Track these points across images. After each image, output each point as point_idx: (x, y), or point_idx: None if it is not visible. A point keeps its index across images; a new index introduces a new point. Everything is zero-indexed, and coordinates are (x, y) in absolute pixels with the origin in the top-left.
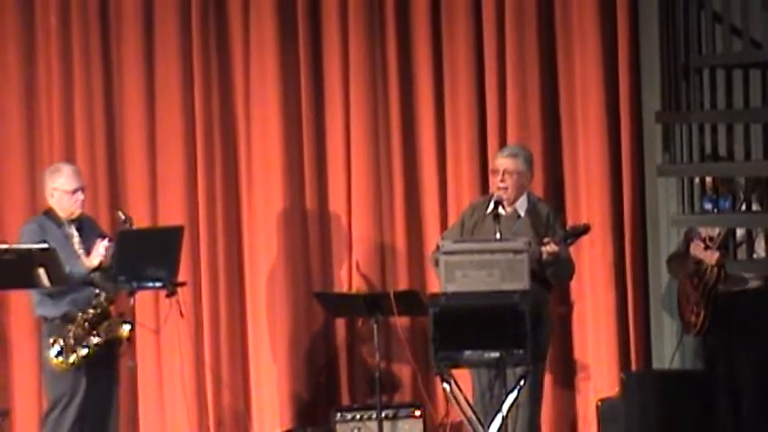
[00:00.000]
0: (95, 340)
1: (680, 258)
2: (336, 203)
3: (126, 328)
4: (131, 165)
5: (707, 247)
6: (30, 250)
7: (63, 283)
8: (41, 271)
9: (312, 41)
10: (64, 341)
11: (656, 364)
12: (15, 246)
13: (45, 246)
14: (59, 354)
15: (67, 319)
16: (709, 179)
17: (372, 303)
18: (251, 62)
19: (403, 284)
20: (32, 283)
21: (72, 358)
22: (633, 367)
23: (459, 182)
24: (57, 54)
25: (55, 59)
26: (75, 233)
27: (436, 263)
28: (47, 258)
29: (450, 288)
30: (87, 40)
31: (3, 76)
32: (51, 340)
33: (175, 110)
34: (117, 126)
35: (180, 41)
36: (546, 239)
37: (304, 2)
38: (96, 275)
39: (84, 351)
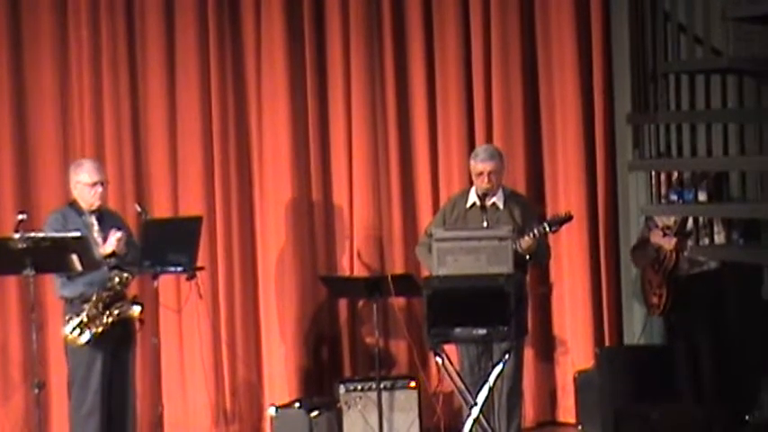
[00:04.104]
0: (108, 319)
1: (641, 248)
2: (339, 195)
3: (136, 309)
4: (154, 161)
5: (665, 235)
6: (64, 238)
7: (94, 268)
8: (74, 257)
9: (317, 48)
10: (79, 319)
11: (627, 340)
12: (51, 234)
13: (77, 234)
14: (74, 330)
15: (84, 299)
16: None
17: (372, 286)
18: (262, 70)
19: (399, 269)
20: (67, 267)
21: (86, 335)
22: (606, 343)
23: (450, 177)
24: (87, 62)
25: (86, 66)
26: (95, 223)
27: (429, 249)
28: (79, 246)
29: (442, 271)
30: (115, 49)
31: (39, 81)
32: (67, 317)
33: (194, 112)
34: (141, 126)
35: (198, 51)
36: (528, 232)
37: (309, 11)
38: (111, 261)
39: (96, 329)
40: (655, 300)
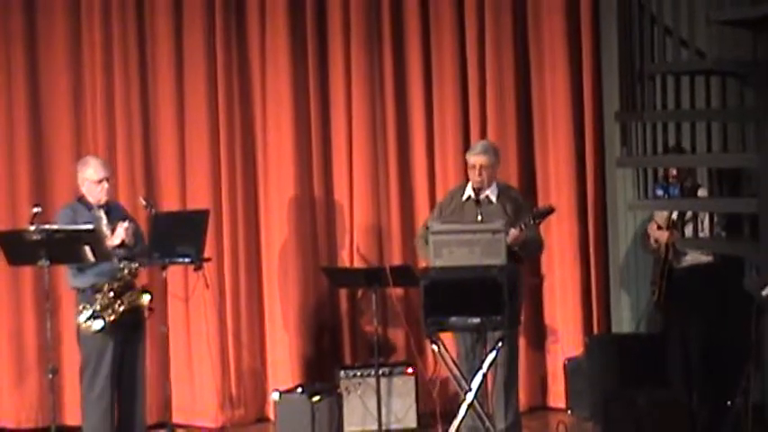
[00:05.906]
0: (119, 308)
1: (645, 240)
2: (340, 192)
3: (146, 297)
4: (164, 158)
5: (659, 227)
6: (77, 230)
7: (106, 259)
8: (87, 248)
9: (319, 51)
10: (93, 308)
11: (614, 329)
12: (65, 227)
13: (90, 227)
14: (88, 319)
15: (95, 289)
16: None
17: (371, 276)
18: (267, 71)
19: (397, 261)
20: (80, 258)
21: (99, 323)
22: (595, 331)
23: (446, 175)
24: (100, 63)
25: (98, 68)
26: (104, 216)
27: (427, 241)
28: (91, 238)
29: (438, 263)
30: (126, 51)
31: (53, 82)
32: (81, 307)
33: (201, 111)
34: (151, 125)
35: (205, 53)
36: (518, 225)
37: (312, 16)
38: (120, 252)
39: (109, 317)
40: (654, 289)
